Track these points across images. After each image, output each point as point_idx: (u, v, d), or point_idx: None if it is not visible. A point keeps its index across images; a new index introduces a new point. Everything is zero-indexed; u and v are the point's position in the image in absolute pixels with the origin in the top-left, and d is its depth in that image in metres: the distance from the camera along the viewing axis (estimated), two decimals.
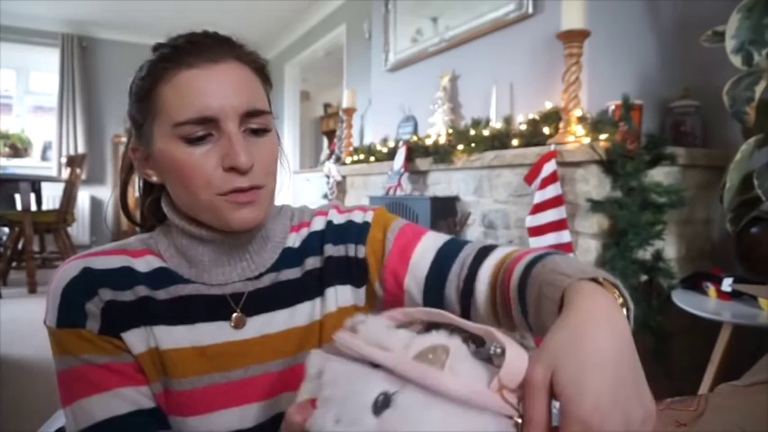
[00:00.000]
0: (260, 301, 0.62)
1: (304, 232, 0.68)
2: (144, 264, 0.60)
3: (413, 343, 0.37)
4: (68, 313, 0.55)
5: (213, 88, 0.55)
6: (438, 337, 0.38)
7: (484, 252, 0.61)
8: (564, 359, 0.35)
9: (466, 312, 0.60)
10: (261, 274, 0.63)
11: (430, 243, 0.64)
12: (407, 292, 0.63)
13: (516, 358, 0.36)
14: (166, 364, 0.57)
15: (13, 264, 3.95)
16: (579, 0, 1.72)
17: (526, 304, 0.51)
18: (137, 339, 0.57)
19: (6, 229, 4.07)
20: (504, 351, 0.36)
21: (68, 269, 0.56)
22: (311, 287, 0.65)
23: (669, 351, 1.68)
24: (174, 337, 0.58)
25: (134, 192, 0.70)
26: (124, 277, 0.58)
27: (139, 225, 0.70)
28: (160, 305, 0.59)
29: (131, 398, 0.55)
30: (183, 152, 0.55)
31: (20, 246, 3.81)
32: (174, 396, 0.58)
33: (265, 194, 0.58)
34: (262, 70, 0.62)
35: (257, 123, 0.57)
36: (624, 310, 0.43)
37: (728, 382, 0.97)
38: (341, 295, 0.66)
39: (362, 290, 0.67)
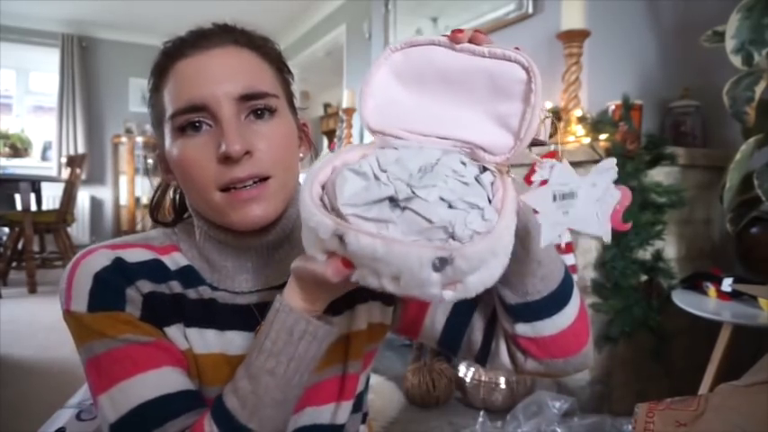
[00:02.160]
0: None
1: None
2: (171, 261, 0.57)
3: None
4: (104, 296, 0.51)
5: (204, 75, 0.51)
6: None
7: None
8: None
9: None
10: (286, 283, 0.61)
11: None
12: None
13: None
14: (199, 368, 0.55)
15: (13, 264, 3.95)
16: (579, 0, 1.72)
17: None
18: (179, 336, 0.54)
19: (6, 229, 4.07)
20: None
21: (96, 257, 0.52)
22: (339, 301, 0.60)
23: (669, 351, 1.68)
24: (206, 341, 0.56)
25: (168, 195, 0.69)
26: (158, 270, 0.55)
27: (165, 224, 0.66)
28: (192, 305, 0.56)
29: (180, 377, 0.52)
30: (179, 146, 0.52)
31: (20, 246, 3.80)
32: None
33: (276, 187, 0.53)
34: (272, 56, 0.58)
35: (260, 104, 0.53)
36: None
37: (728, 382, 0.97)
38: (373, 311, 0.63)
39: (391, 309, 0.65)
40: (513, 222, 0.39)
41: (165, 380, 0.51)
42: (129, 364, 0.50)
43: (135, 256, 0.54)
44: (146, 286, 0.53)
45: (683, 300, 1.51)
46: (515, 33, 2.24)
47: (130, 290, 0.52)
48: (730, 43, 1.45)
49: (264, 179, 0.52)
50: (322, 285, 0.45)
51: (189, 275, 0.57)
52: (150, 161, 5.64)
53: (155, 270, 0.55)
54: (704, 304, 1.48)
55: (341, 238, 0.39)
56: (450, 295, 0.38)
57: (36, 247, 4.26)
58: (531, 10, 2.12)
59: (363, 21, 3.92)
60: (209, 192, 0.52)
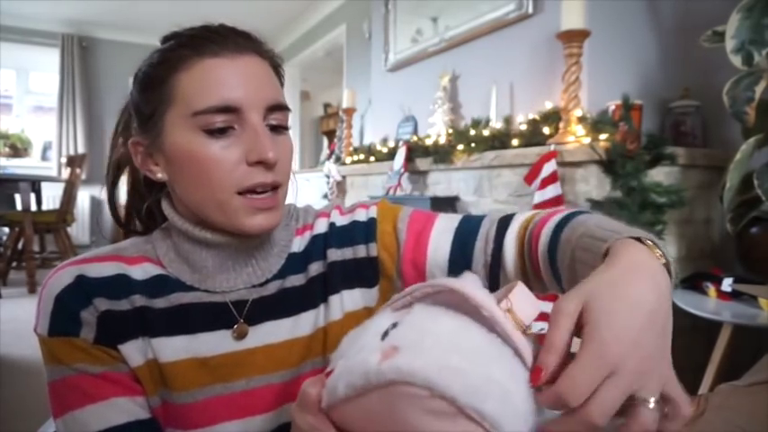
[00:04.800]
0: (264, 308, 0.60)
1: (307, 236, 0.65)
2: (140, 271, 0.57)
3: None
4: (61, 321, 0.52)
5: (238, 80, 0.53)
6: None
7: (505, 222, 0.59)
8: (599, 294, 0.35)
9: (495, 283, 0.59)
10: (267, 281, 0.61)
11: (445, 224, 0.63)
12: (430, 279, 0.61)
13: (524, 295, 0.35)
14: (166, 377, 0.55)
15: (13, 264, 3.95)
16: (579, 0, 1.72)
17: (558, 270, 0.49)
18: (134, 351, 0.54)
19: (6, 229, 4.07)
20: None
21: (61, 276, 0.54)
22: (315, 294, 0.63)
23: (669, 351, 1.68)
24: (173, 348, 0.55)
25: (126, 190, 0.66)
26: (119, 286, 0.55)
27: (129, 229, 0.66)
28: (158, 315, 0.56)
29: (128, 408, 0.53)
30: (201, 144, 0.52)
31: (20, 246, 3.81)
32: (174, 409, 0.55)
33: (282, 196, 0.56)
34: (278, 68, 0.61)
35: (278, 120, 0.55)
36: (665, 269, 0.40)
37: (728, 382, 0.97)
38: (347, 301, 0.63)
39: (375, 289, 0.64)
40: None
41: (113, 411, 0.52)
42: (80, 394, 0.52)
43: (100, 270, 0.55)
44: (102, 304, 0.53)
45: (683, 300, 1.51)
46: (515, 33, 2.24)
47: (86, 312, 0.53)
48: (730, 43, 1.45)
49: (277, 188, 0.55)
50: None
51: (158, 285, 0.57)
52: None
53: (116, 285, 0.55)
54: (704, 304, 1.48)
55: None
56: (385, 365, 0.32)
57: (36, 247, 4.26)
58: (531, 10, 2.11)
59: (363, 21, 3.92)
60: (226, 193, 0.52)
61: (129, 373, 0.54)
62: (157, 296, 0.56)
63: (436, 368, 0.30)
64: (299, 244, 0.65)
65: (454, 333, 0.32)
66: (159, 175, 0.57)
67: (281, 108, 0.56)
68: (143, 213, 0.64)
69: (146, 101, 0.55)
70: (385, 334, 0.34)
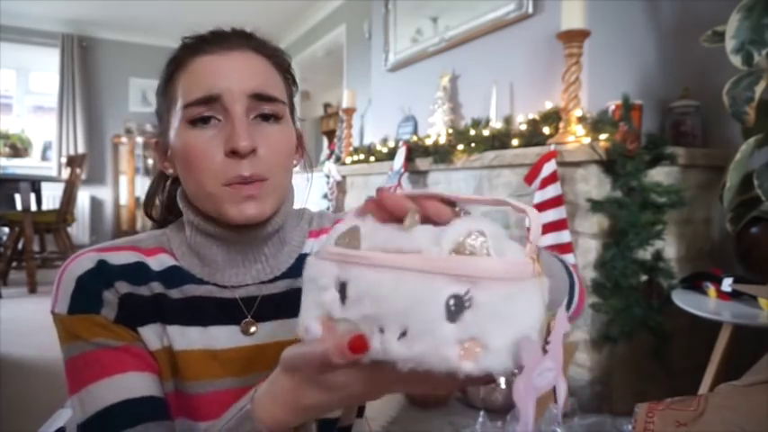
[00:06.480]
0: (273, 306, 0.61)
1: (324, 239, 0.66)
2: (156, 262, 0.59)
3: (442, 236, 0.32)
4: (83, 299, 0.53)
5: (222, 71, 0.54)
6: (466, 223, 0.33)
7: None
8: None
9: None
10: (275, 279, 0.61)
11: None
12: None
13: (537, 219, 0.35)
14: (179, 365, 0.56)
15: (13, 264, 3.95)
16: (579, 0, 1.72)
17: None
18: (152, 335, 0.55)
19: (6, 229, 4.07)
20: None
21: (82, 261, 0.55)
22: None
23: (669, 351, 1.68)
24: (187, 337, 0.57)
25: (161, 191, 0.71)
26: (139, 273, 0.57)
27: (155, 221, 0.69)
28: (174, 304, 0.57)
29: (145, 383, 0.53)
30: (189, 137, 0.54)
31: (20, 246, 3.81)
32: (186, 399, 0.56)
33: (271, 188, 0.56)
34: (282, 66, 0.61)
35: (268, 109, 0.56)
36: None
37: (728, 382, 0.97)
38: None
39: None
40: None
41: (128, 384, 0.52)
42: (98, 368, 0.52)
43: (119, 258, 0.57)
44: (124, 287, 0.55)
45: (683, 300, 1.51)
46: (515, 33, 2.24)
47: (108, 292, 0.54)
48: (730, 43, 1.45)
49: (263, 179, 0.55)
50: (318, 384, 0.38)
51: (173, 276, 0.59)
52: (150, 161, 5.64)
53: (136, 272, 0.57)
54: (704, 304, 1.48)
55: (343, 290, 0.33)
56: (470, 367, 0.30)
57: (36, 247, 4.26)
58: (531, 10, 2.11)
59: (363, 21, 3.92)
60: (212, 184, 0.54)
61: (149, 352, 0.55)
62: (172, 287, 0.58)
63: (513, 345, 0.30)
64: (312, 246, 0.65)
65: (532, 310, 0.32)
66: (170, 171, 0.61)
67: (269, 98, 0.56)
68: (162, 206, 0.68)
69: (159, 103, 0.60)
70: (452, 311, 0.30)
